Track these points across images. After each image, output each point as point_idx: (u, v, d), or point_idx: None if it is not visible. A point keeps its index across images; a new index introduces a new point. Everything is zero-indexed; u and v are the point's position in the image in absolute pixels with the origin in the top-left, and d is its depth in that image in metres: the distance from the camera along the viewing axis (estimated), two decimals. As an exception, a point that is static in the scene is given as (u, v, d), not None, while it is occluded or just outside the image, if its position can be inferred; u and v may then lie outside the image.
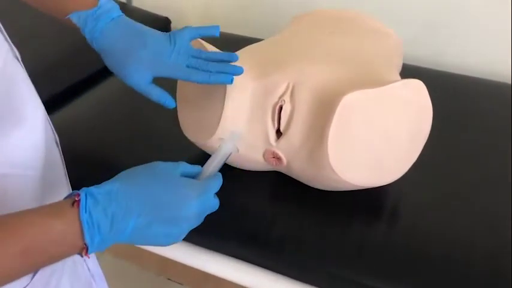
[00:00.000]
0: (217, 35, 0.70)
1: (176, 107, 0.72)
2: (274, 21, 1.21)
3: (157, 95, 0.68)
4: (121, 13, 0.68)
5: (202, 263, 0.86)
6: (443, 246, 0.76)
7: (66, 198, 0.47)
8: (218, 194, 0.55)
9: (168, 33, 0.68)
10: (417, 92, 0.73)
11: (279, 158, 0.78)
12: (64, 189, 0.67)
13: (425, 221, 0.80)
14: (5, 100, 0.53)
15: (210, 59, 0.68)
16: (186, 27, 0.69)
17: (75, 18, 0.66)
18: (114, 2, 0.68)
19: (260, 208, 0.84)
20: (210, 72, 0.67)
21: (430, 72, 1.21)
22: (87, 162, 0.94)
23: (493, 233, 0.78)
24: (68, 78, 1.24)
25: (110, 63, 0.68)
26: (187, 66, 0.67)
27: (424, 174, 0.85)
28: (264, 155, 0.79)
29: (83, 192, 0.47)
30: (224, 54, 0.70)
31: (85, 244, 0.45)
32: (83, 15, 0.66)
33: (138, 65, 0.66)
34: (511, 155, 0.91)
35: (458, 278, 0.73)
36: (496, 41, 1.25)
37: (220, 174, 0.56)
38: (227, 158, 0.62)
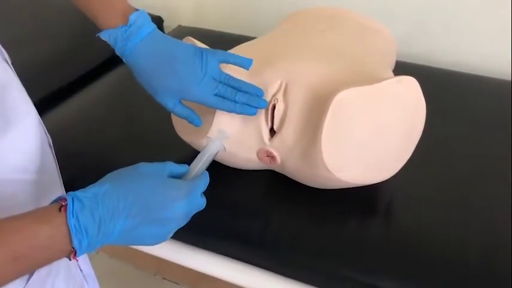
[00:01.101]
0: (248, 68, 0.72)
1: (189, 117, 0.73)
2: (267, 20, 1.21)
3: (185, 115, 0.71)
4: (152, 28, 0.69)
5: (198, 263, 0.86)
6: (440, 243, 0.76)
7: (52, 203, 0.47)
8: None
9: (200, 50, 0.69)
10: (410, 88, 0.73)
11: (273, 157, 0.78)
12: (58, 191, 0.67)
13: (422, 218, 0.80)
14: None
15: (238, 88, 0.70)
16: (219, 51, 0.71)
17: (105, 37, 0.67)
18: (146, 14, 0.68)
19: (255, 207, 0.83)
20: (237, 103, 0.70)
21: (424, 68, 1.21)
22: (80, 163, 0.93)
23: (491, 231, 0.78)
24: (59, 79, 1.23)
25: (139, 80, 0.70)
26: (215, 94, 0.69)
27: (419, 171, 0.85)
28: (258, 154, 0.79)
29: (69, 196, 0.46)
30: (252, 87, 0.71)
31: (73, 248, 0.45)
32: (113, 34, 0.66)
33: (167, 91, 0.68)
34: (511, 153, 0.91)
35: (457, 276, 0.73)
36: (491, 38, 1.25)
37: (207, 173, 0.57)
38: (214, 156, 0.62)
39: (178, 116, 0.72)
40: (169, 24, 1.55)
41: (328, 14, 1.00)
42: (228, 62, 0.71)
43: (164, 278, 1.42)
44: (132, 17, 0.66)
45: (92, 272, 0.76)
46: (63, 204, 0.46)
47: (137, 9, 0.68)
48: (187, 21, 1.55)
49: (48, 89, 1.19)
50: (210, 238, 0.84)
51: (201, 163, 0.59)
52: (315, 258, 0.77)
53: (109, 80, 1.23)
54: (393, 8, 1.30)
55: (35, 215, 0.46)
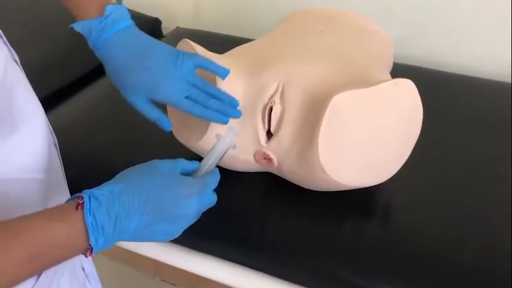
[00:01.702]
0: (224, 78, 0.69)
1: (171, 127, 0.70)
2: (265, 22, 1.21)
3: (154, 117, 0.68)
4: (129, 23, 0.67)
5: (196, 266, 0.86)
6: (439, 245, 0.76)
7: (68, 201, 0.48)
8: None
9: (177, 52, 0.66)
10: (407, 91, 0.73)
11: (269, 159, 0.77)
12: (64, 190, 0.67)
13: (420, 219, 0.80)
14: (6, 104, 0.53)
15: (212, 95, 0.67)
16: (197, 54, 0.68)
17: (79, 28, 0.65)
18: (124, 9, 0.66)
19: (252, 209, 0.83)
20: (208, 109, 0.67)
21: (421, 70, 1.21)
22: (80, 164, 0.93)
23: (489, 231, 0.78)
24: (59, 80, 1.23)
25: (109, 74, 0.67)
26: (187, 97, 0.65)
27: (417, 173, 0.85)
28: (254, 156, 0.79)
29: (85, 194, 0.47)
30: (226, 96, 0.69)
31: (90, 245, 0.46)
32: (87, 25, 0.64)
33: (137, 88, 0.65)
34: (510, 153, 0.91)
35: (457, 277, 0.73)
36: (491, 39, 1.25)
37: (217, 170, 0.57)
38: (225, 154, 0.62)
39: (146, 116, 0.68)
40: (167, 25, 1.55)
41: (326, 16, 1.00)
42: (204, 68, 0.68)
43: (163, 280, 1.42)
44: (109, 8, 0.64)
45: (94, 271, 0.76)
46: (80, 202, 0.46)
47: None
48: (186, 23, 1.55)
49: (49, 89, 1.18)
50: (208, 240, 0.83)
51: (211, 160, 0.60)
52: (313, 259, 0.77)
53: (109, 81, 1.22)
54: (392, 9, 1.30)
55: (51, 214, 0.46)
